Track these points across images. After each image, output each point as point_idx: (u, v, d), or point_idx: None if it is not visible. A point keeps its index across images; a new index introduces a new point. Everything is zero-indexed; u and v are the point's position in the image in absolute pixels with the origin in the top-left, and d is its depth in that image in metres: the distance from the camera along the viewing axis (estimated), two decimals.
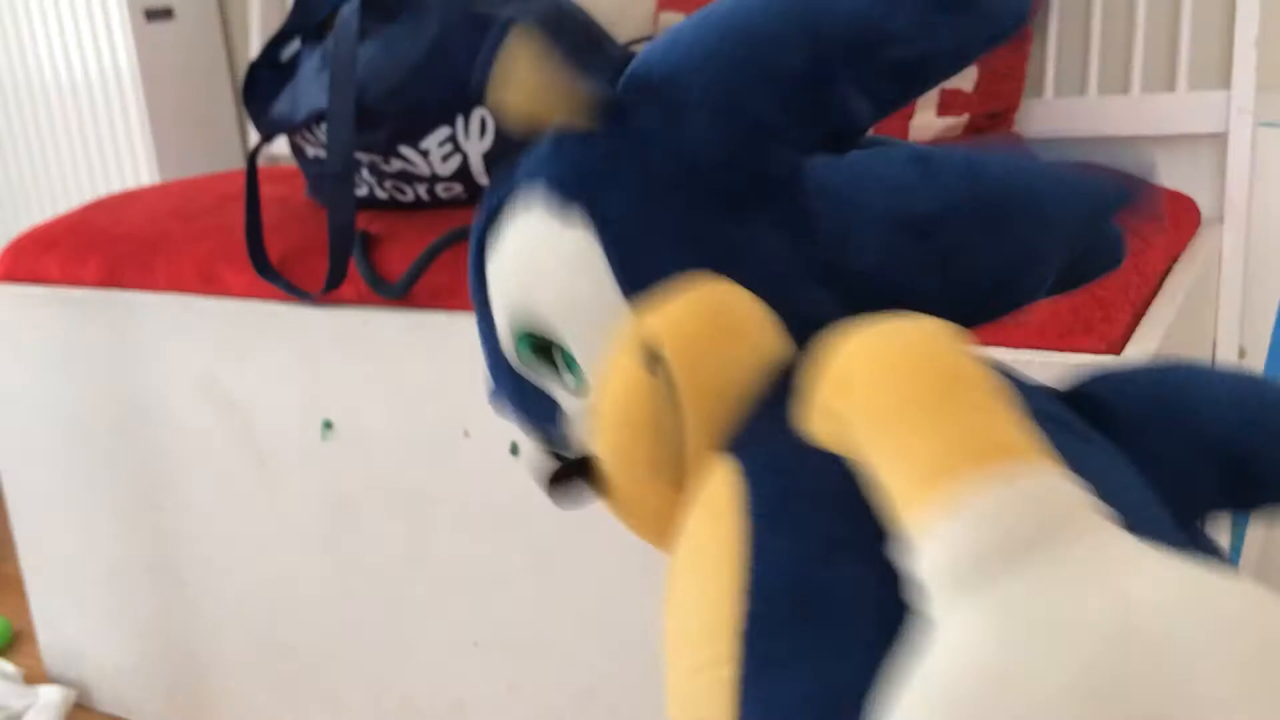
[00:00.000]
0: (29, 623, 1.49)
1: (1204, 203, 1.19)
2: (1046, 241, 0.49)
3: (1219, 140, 1.19)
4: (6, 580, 1.63)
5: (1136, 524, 0.38)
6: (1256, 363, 1.21)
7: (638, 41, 1.33)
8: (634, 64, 0.53)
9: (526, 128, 0.58)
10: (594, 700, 1.01)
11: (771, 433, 0.46)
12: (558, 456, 0.55)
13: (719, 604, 0.42)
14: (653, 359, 0.48)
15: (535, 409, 0.58)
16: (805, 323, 0.48)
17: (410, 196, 1.11)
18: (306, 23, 1.12)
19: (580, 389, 0.54)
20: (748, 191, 0.49)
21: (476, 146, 1.07)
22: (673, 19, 1.26)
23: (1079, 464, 0.39)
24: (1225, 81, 1.18)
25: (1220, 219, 1.19)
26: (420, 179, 1.08)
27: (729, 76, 0.50)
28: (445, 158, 1.07)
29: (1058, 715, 0.31)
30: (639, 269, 0.50)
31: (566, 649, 1.01)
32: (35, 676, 1.41)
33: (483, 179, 1.09)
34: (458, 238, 0.99)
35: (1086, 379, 0.50)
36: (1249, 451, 0.47)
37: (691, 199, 0.50)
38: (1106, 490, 0.39)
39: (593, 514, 0.95)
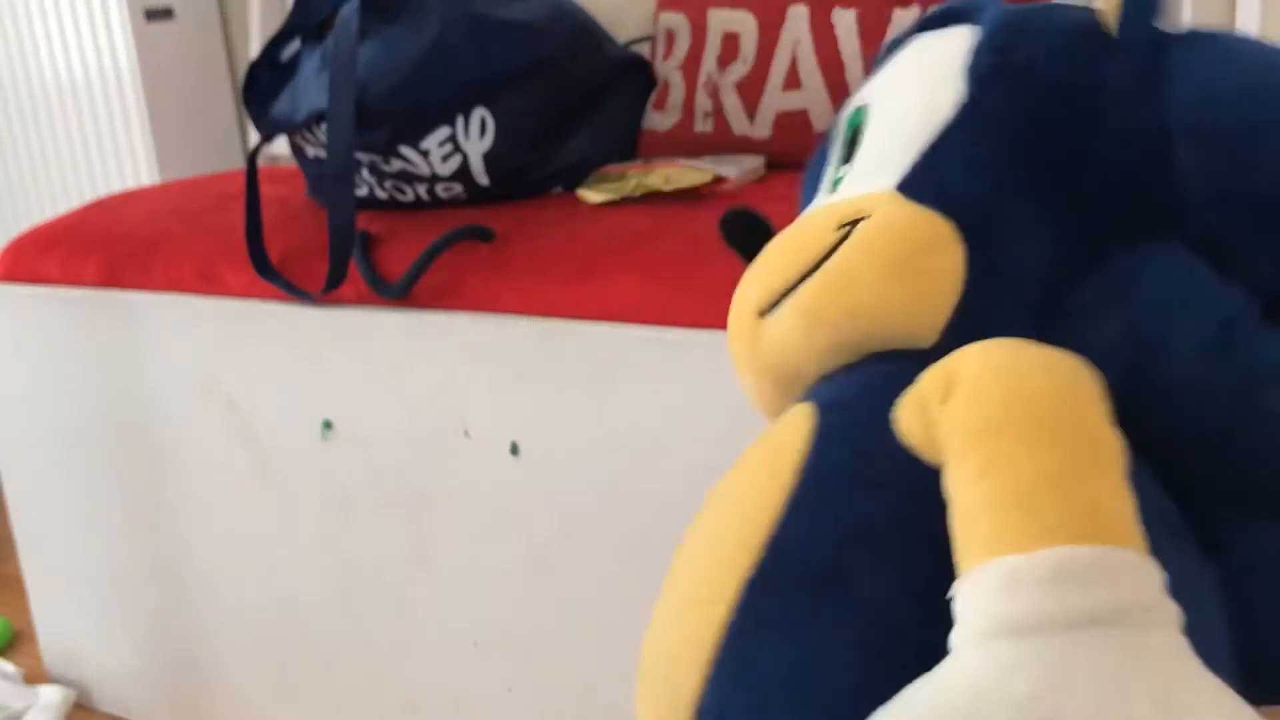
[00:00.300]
0: (29, 623, 1.49)
1: None
2: None
3: None
4: (6, 580, 1.63)
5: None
6: None
7: (638, 41, 1.33)
8: (1186, 33, 0.49)
9: None
10: (594, 700, 1.01)
11: (857, 404, 0.44)
12: (739, 214, 0.56)
13: (739, 548, 0.42)
14: (846, 226, 0.47)
15: (810, 178, 0.60)
16: (981, 327, 0.45)
17: (410, 196, 1.11)
18: (306, 23, 1.12)
19: (832, 190, 0.53)
20: (1088, 220, 0.46)
21: (476, 146, 1.07)
22: (673, 19, 1.26)
23: (1174, 570, 0.37)
24: None
25: None
26: (420, 179, 1.08)
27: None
28: (445, 158, 1.07)
29: None
30: (930, 171, 0.48)
31: (566, 649, 1.01)
32: (35, 676, 1.41)
33: (483, 179, 1.09)
34: (458, 238, 0.99)
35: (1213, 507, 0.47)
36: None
37: (1022, 192, 0.47)
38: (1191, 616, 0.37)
39: (593, 514, 0.96)
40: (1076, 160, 0.46)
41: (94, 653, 1.35)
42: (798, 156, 1.19)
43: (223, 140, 1.92)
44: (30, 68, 1.84)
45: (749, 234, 0.54)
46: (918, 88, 0.50)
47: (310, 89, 1.07)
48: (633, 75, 1.27)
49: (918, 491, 0.39)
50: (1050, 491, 0.35)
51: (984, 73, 0.48)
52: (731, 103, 1.20)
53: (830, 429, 0.44)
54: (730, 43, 1.21)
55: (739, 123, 1.20)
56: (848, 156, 0.53)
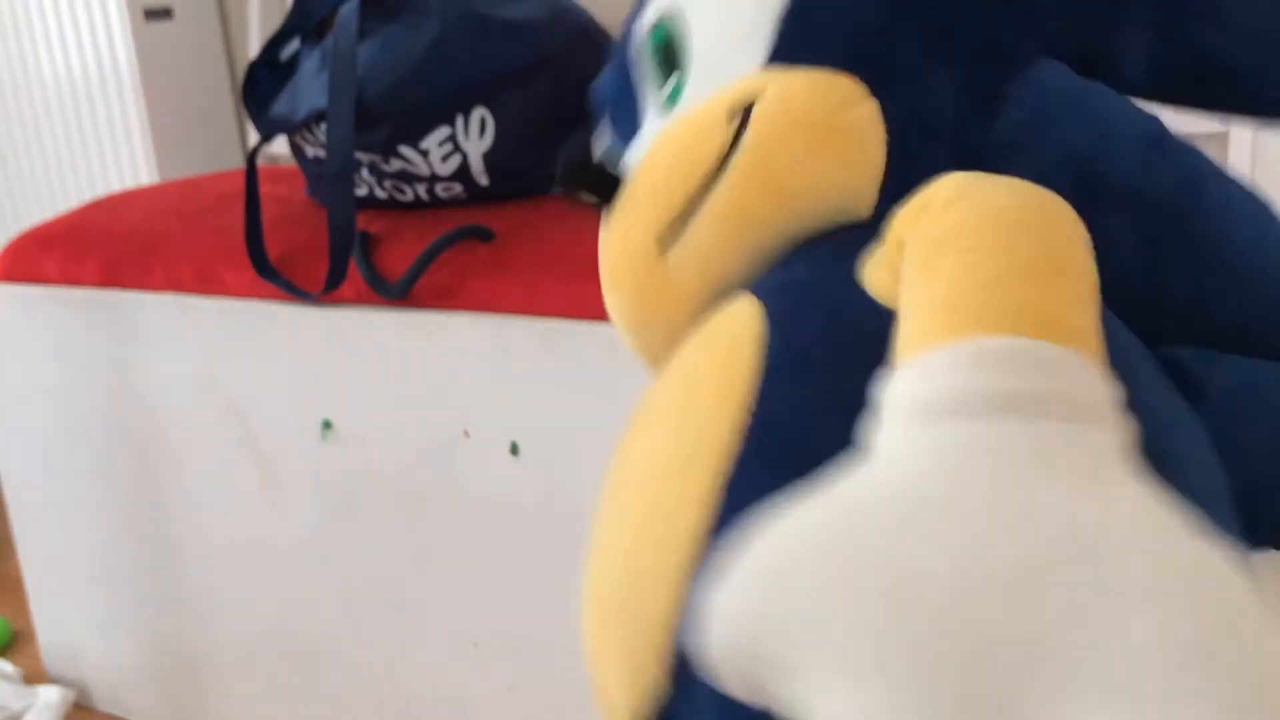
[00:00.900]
0: (29, 623, 1.49)
1: None
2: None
3: (1220, 140, 1.19)
4: (5, 580, 1.63)
5: (1204, 509, 0.32)
6: None
7: None
8: None
9: None
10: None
11: (813, 280, 0.40)
12: (594, 165, 0.50)
13: (705, 447, 0.37)
14: (737, 115, 0.43)
15: (620, 111, 0.54)
16: (912, 185, 0.41)
17: (410, 196, 1.11)
18: (306, 22, 1.12)
19: (667, 108, 0.49)
20: (970, 41, 0.44)
21: (476, 146, 1.07)
22: None
23: (1163, 413, 0.35)
24: None
25: None
26: (420, 179, 1.08)
27: None
28: (445, 157, 1.06)
29: (936, 589, 0.27)
30: (804, 33, 0.45)
31: (566, 649, 1.01)
32: (35, 677, 1.41)
33: (482, 179, 1.09)
34: (457, 237, 0.99)
35: (1174, 349, 0.44)
36: None
37: (908, 37, 0.44)
38: (1185, 460, 0.35)
39: (592, 514, 0.95)
40: (923, 15, 0.44)
41: (93, 653, 1.35)
42: None
43: (222, 140, 1.92)
44: (29, 67, 1.84)
45: (597, 184, 0.49)
46: None
47: (309, 88, 1.07)
48: None
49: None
50: (992, 291, 0.32)
51: None
52: None
53: (790, 307, 0.39)
54: None
55: None
56: (669, 70, 0.49)
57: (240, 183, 1.11)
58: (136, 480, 1.22)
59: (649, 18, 0.51)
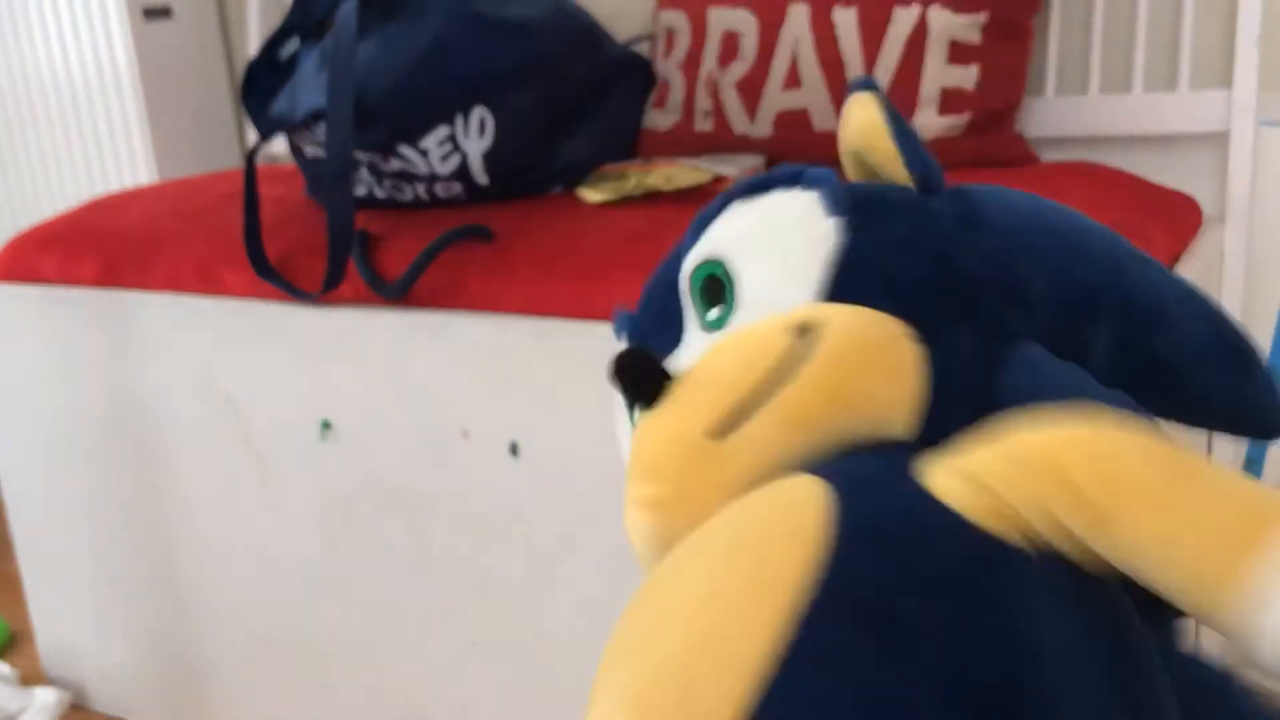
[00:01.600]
0: (28, 623, 1.49)
1: (1206, 202, 1.19)
2: None
3: (1220, 139, 1.19)
4: (5, 580, 1.63)
5: None
6: None
7: (638, 40, 1.33)
8: (968, 189, 0.58)
9: (851, 169, 0.63)
10: None
11: (874, 471, 0.46)
12: (642, 355, 0.55)
13: (776, 582, 0.41)
14: (803, 329, 0.49)
15: (659, 327, 0.59)
16: (938, 420, 0.50)
17: (409, 196, 1.11)
18: (305, 22, 1.12)
19: (712, 329, 0.55)
20: (984, 315, 0.52)
21: (476, 146, 1.07)
22: (673, 18, 1.26)
23: None
24: (1227, 81, 1.18)
25: (1222, 218, 1.19)
26: (419, 178, 1.08)
27: (1045, 262, 0.54)
28: (444, 157, 1.06)
29: None
30: (854, 280, 0.52)
31: (566, 649, 1.01)
32: (34, 677, 1.40)
33: (482, 178, 1.09)
34: (457, 237, 0.99)
35: None
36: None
37: (934, 300, 0.52)
38: None
39: (592, 514, 0.95)
40: (950, 290, 0.52)
41: (92, 653, 1.34)
42: (798, 156, 1.19)
43: (221, 140, 1.92)
44: (28, 67, 1.83)
45: (645, 378, 0.53)
46: (783, 230, 0.55)
47: (309, 88, 1.06)
48: (632, 74, 1.27)
49: (974, 553, 0.41)
50: (1223, 513, 0.38)
51: (848, 205, 0.55)
52: (731, 102, 1.20)
53: (856, 486, 0.44)
54: (730, 42, 1.21)
55: (739, 122, 1.20)
56: (713, 301, 0.56)
57: (239, 183, 1.11)
58: (136, 480, 1.21)
59: (694, 258, 0.58)
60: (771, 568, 0.42)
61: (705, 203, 0.96)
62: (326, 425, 1.06)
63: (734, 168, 1.10)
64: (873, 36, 1.14)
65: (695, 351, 0.55)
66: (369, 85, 1.02)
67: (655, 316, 0.60)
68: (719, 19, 1.22)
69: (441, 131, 1.05)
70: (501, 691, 1.06)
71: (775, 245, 0.55)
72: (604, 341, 0.92)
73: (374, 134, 1.03)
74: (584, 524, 0.96)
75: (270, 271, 1.04)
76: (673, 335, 0.58)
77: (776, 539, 0.43)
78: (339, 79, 1.00)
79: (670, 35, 1.26)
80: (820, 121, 1.16)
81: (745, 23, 1.20)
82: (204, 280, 1.10)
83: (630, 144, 1.26)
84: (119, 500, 1.24)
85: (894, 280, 0.52)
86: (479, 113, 1.06)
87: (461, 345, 0.97)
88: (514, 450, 0.97)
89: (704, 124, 1.22)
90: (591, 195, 1.07)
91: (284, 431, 1.09)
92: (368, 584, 1.10)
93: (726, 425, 0.49)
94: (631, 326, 0.63)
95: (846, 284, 0.53)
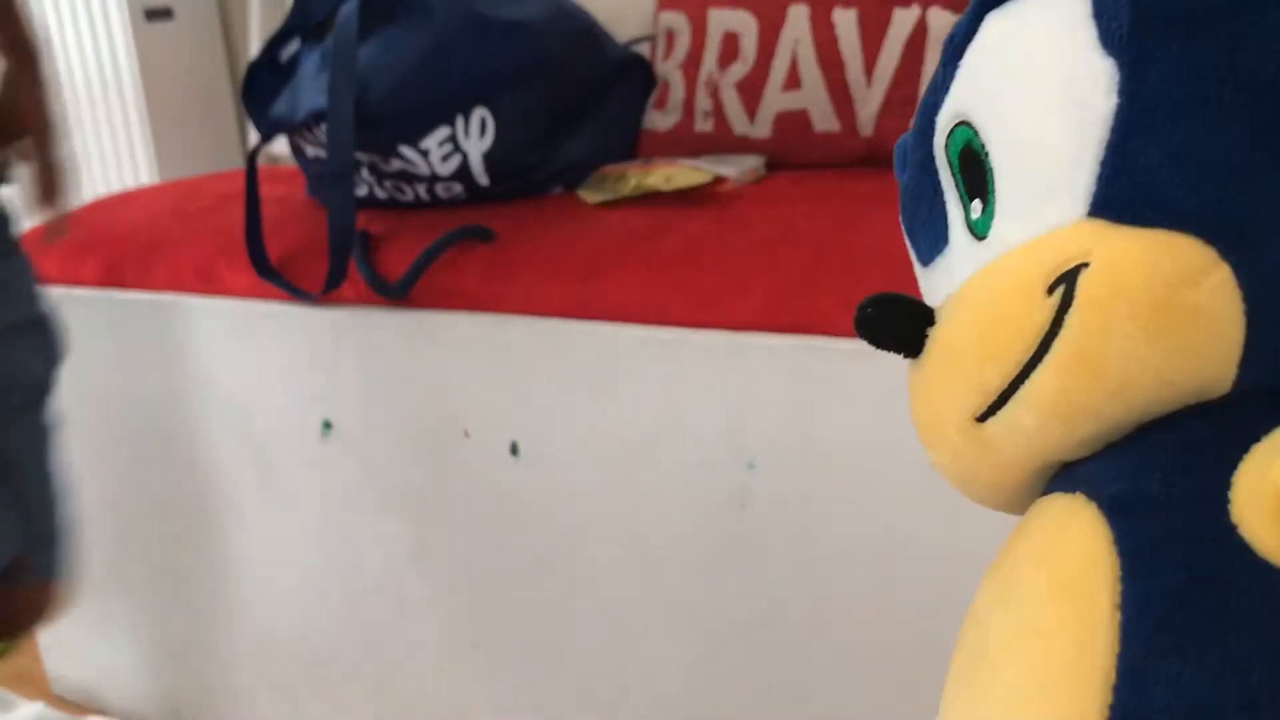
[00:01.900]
0: None
1: None
2: None
3: None
4: None
5: None
6: None
7: (638, 41, 1.33)
8: None
9: None
10: (594, 700, 1.01)
11: (1168, 500, 0.35)
12: (888, 304, 0.44)
13: (1074, 689, 0.33)
14: (1060, 280, 0.37)
15: (921, 209, 0.47)
16: None
17: (410, 196, 1.11)
18: (306, 23, 1.12)
19: (973, 233, 0.43)
20: None
21: (476, 146, 1.07)
22: (673, 19, 1.26)
23: None
24: None
25: None
26: (420, 179, 1.08)
27: None
28: (445, 157, 1.06)
29: None
30: (1134, 177, 0.37)
31: (566, 649, 1.01)
32: (36, 678, 1.41)
33: (482, 179, 1.09)
34: (457, 237, 0.99)
35: None
36: None
37: (1264, 128, 0.36)
38: None
39: (592, 514, 0.95)
40: None
41: (94, 652, 1.35)
42: (797, 156, 1.19)
43: (222, 140, 1.92)
44: None
45: (897, 321, 0.44)
46: (1038, 86, 0.40)
47: (310, 89, 1.07)
48: (633, 75, 1.27)
49: None
50: None
51: (1130, 32, 0.38)
52: (731, 102, 1.20)
53: (1145, 541, 0.34)
54: (730, 42, 1.21)
55: (739, 123, 1.20)
56: (973, 188, 0.43)
57: (240, 183, 1.11)
58: (135, 480, 1.22)
59: (946, 114, 0.44)
60: (1063, 698, 0.34)
61: (705, 203, 0.94)
62: (327, 425, 1.06)
63: (734, 168, 1.10)
64: (873, 37, 1.14)
65: (960, 273, 0.43)
66: (370, 86, 1.02)
67: (916, 190, 0.47)
68: (719, 20, 1.22)
69: (442, 132, 1.05)
70: (502, 690, 1.06)
71: (1030, 109, 0.40)
72: (604, 341, 0.92)
73: (375, 134, 1.04)
74: (584, 524, 0.96)
75: (271, 272, 1.04)
76: (936, 220, 0.46)
77: (1060, 648, 0.34)
78: (340, 80, 1.00)
79: (670, 36, 1.26)
80: (820, 122, 1.17)
81: (745, 24, 1.20)
82: (205, 280, 1.10)
83: (630, 144, 1.26)
84: (119, 499, 1.24)
85: (1191, 159, 0.36)
86: (479, 113, 1.06)
87: (461, 345, 0.97)
88: (514, 450, 0.97)
89: (704, 125, 1.22)
90: (591, 196, 1.08)
91: (285, 431, 1.09)
92: (368, 583, 1.10)
93: (987, 410, 0.40)
94: (901, 194, 0.50)
95: (1124, 183, 0.37)
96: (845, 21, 1.15)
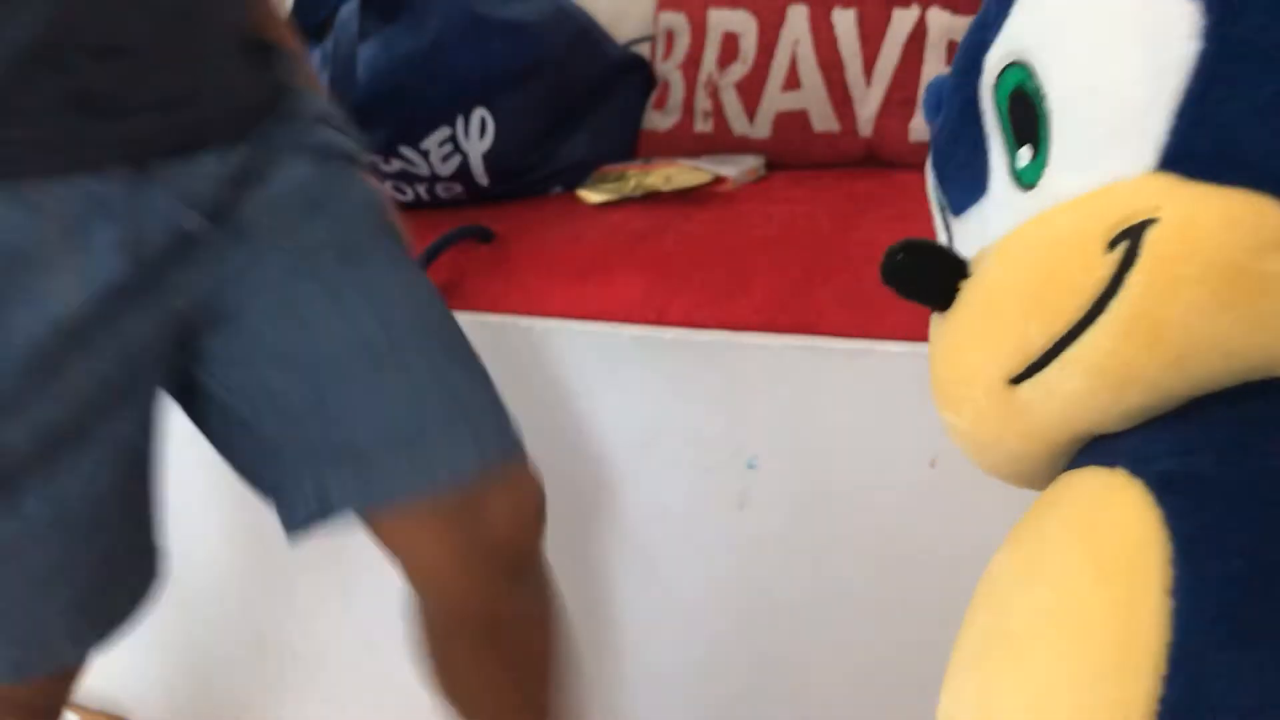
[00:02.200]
0: None
1: None
2: None
3: None
4: None
5: None
6: None
7: (638, 41, 1.33)
8: None
9: None
10: (593, 700, 1.01)
11: (1224, 481, 0.32)
12: (934, 248, 0.42)
13: (1121, 678, 0.31)
14: (1123, 235, 0.34)
15: (959, 153, 0.44)
16: None
17: (410, 196, 1.11)
18: (306, 23, 1.12)
19: (1018, 182, 0.40)
20: None
21: (476, 146, 1.07)
22: (673, 19, 1.26)
23: None
24: None
25: None
26: (420, 179, 1.08)
27: None
28: (445, 158, 1.06)
29: None
30: (1212, 130, 0.34)
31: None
32: None
33: (482, 179, 1.09)
34: (458, 237, 0.99)
35: None
36: None
37: None
38: None
39: (591, 514, 0.95)
40: None
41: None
42: (797, 157, 1.19)
43: None
44: None
45: (929, 270, 0.41)
46: (1111, 24, 0.37)
47: None
48: (632, 75, 1.27)
49: None
50: None
51: None
52: (731, 103, 1.20)
53: (1199, 525, 0.32)
54: (730, 43, 1.21)
55: (739, 123, 1.20)
56: (1023, 134, 0.40)
57: None
58: None
59: (997, 54, 0.41)
60: (1104, 687, 0.31)
61: (705, 203, 0.94)
62: None
63: (734, 168, 1.10)
64: (872, 37, 1.14)
65: (997, 224, 0.41)
66: (370, 86, 1.02)
67: (952, 134, 0.44)
68: (718, 20, 1.22)
69: (442, 132, 1.05)
70: None
71: (1100, 50, 0.37)
72: (604, 341, 0.92)
73: (375, 135, 1.04)
74: (584, 524, 0.96)
75: None
76: (975, 166, 0.43)
77: (1103, 636, 0.31)
78: (340, 80, 1.00)
79: (670, 36, 1.26)
80: (820, 122, 1.17)
81: (745, 24, 1.20)
82: None
83: (630, 144, 1.26)
84: None
85: (1267, 113, 0.34)
86: (479, 114, 1.06)
87: None
88: None
89: (703, 125, 1.22)
90: (591, 196, 1.08)
91: None
92: (368, 584, 1.10)
93: (1024, 371, 0.37)
94: (934, 138, 0.46)
95: (1201, 137, 0.34)
96: (845, 22, 1.15)
